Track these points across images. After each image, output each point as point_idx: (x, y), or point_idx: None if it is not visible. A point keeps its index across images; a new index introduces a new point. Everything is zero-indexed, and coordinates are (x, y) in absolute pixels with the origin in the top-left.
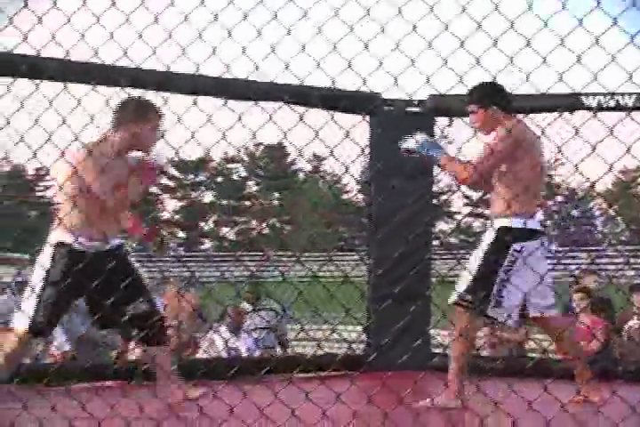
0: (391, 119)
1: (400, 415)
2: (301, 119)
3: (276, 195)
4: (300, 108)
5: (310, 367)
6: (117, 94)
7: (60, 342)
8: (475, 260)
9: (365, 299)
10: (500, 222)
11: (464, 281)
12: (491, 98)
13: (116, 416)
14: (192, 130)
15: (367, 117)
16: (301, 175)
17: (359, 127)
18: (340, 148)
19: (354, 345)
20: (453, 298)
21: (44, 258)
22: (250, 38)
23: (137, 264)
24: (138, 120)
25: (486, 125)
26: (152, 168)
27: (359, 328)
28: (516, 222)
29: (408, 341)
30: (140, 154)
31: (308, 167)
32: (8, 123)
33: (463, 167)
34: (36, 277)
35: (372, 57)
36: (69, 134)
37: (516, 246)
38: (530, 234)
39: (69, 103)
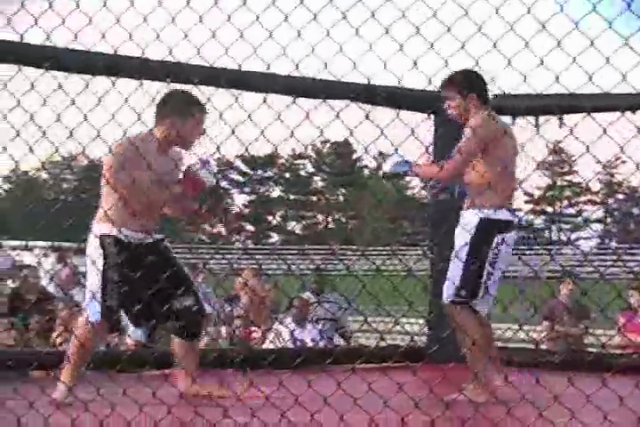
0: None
1: (460, 406)
2: (367, 117)
3: (342, 190)
4: (367, 107)
5: (373, 359)
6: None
7: (133, 331)
8: (461, 253)
9: (428, 292)
10: (481, 214)
11: (455, 277)
12: (471, 86)
13: (186, 403)
14: (261, 127)
15: (432, 116)
16: (366, 172)
17: (424, 125)
18: (404, 145)
19: (416, 337)
20: (446, 297)
21: (93, 249)
22: (318, 38)
23: (179, 258)
24: (181, 114)
25: (463, 113)
26: (197, 183)
27: (421, 321)
28: (497, 213)
29: None
30: (180, 150)
31: (374, 164)
32: (86, 119)
33: (439, 167)
34: (91, 268)
35: (438, 57)
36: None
37: (499, 238)
38: (508, 225)
39: (143, 100)
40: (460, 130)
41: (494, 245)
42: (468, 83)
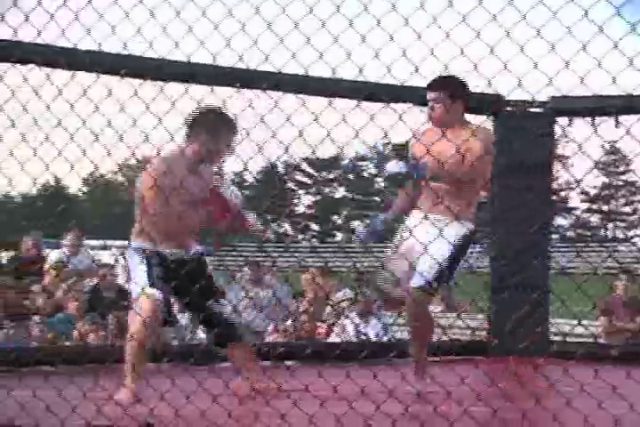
0: (514, 119)
1: (520, 396)
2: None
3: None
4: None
5: (436, 352)
6: (258, 97)
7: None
8: (442, 250)
9: (488, 288)
10: (466, 228)
11: (431, 269)
12: (461, 92)
13: (258, 395)
14: (327, 129)
15: (491, 118)
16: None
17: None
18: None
19: (476, 332)
20: (420, 283)
21: (134, 261)
22: (382, 43)
23: (212, 273)
24: (213, 133)
25: (449, 118)
26: (226, 207)
27: (481, 316)
28: (472, 225)
29: (528, 328)
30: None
31: None
32: (160, 123)
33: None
34: (135, 273)
35: (498, 59)
36: None
37: (472, 247)
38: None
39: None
40: (520, 132)
41: (469, 251)
42: (458, 89)
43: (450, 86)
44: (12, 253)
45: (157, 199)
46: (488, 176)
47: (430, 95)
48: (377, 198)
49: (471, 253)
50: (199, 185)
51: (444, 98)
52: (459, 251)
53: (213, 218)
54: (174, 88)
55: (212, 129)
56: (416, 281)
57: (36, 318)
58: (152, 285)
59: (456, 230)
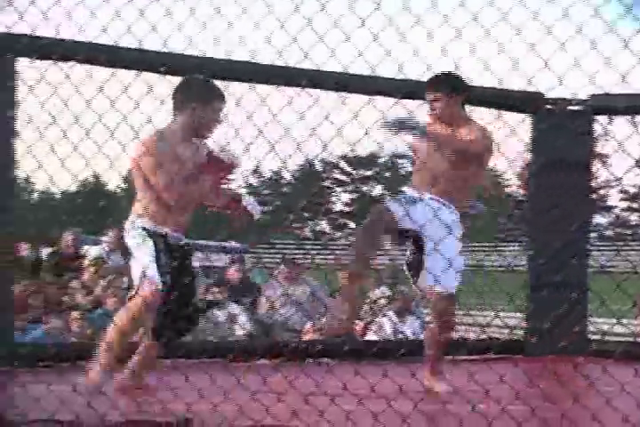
0: (553, 117)
1: (559, 396)
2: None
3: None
4: (468, 107)
5: (474, 351)
6: (298, 95)
7: (243, 321)
8: (451, 247)
9: (526, 287)
10: (457, 214)
11: (449, 271)
12: (458, 88)
13: (295, 392)
14: (366, 127)
15: (531, 116)
16: None
17: (523, 125)
18: (503, 144)
19: (514, 330)
20: (452, 287)
21: (136, 239)
22: (422, 41)
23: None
24: (202, 101)
25: (451, 116)
26: (222, 164)
27: (519, 315)
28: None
29: (566, 327)
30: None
31: None
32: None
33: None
34: (139, 253)
35: (538, 57)
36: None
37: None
38: None
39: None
40: (559, 130)
41: None
42: (457, 86)
43: (446, 85)
44: (51, 249)
45: (158, 172)
46: (482, 173)
47: (429, 96)
48: None
49: (509, 251)
50: (194, 158)
51: (442, 97)
52: (458, 242)
53: (214, 186)
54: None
55: (202, 97)
56: (447, 286)
57: (76, 313)
58: (159, 273)
59: (453, 219)
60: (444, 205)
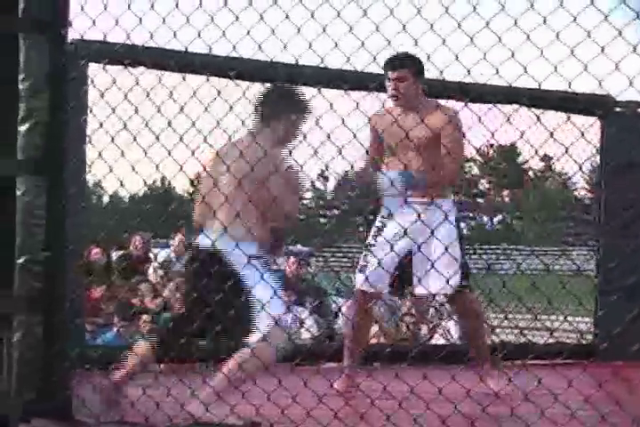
0: (623, 120)
1: (629, 401)
2: (539, 120)
3: (507, 192)
4: (537, 110)
5: (543, 355)
6: (364, 98)
7: (309, 324)
8: (451, 241)
9: (596, 291)
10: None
11: (454, 265)
12: (422, 70)
13: (363, 395)
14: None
15: (600, 119)
16: (531, 174)
17: (593, 128)
18: (571, 148)
19: (584, 335)
20: (457, 282)
21: (256, 272)
22: (491, 43)
23: None
24: (298, 112)
25: (414, 98)
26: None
27: (587, 319)
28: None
29: (638, 332)
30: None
31: (539, 166)
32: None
33: (444, 172)
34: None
35: (609, 60)
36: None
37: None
38: None
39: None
40: (630, 132)
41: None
42: (422, 66)
43: (415, 64)
44: (121, 252)
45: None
46: (458, 158)
47: (394, 74)
48: (480, 200)
49: (577, 254)
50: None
51: (408, 76)
52: (461, 241)
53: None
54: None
55: (298, 109)
56: (452, 284)
57: (145, 316)
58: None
59: (448, 209)
60: (427, 204)
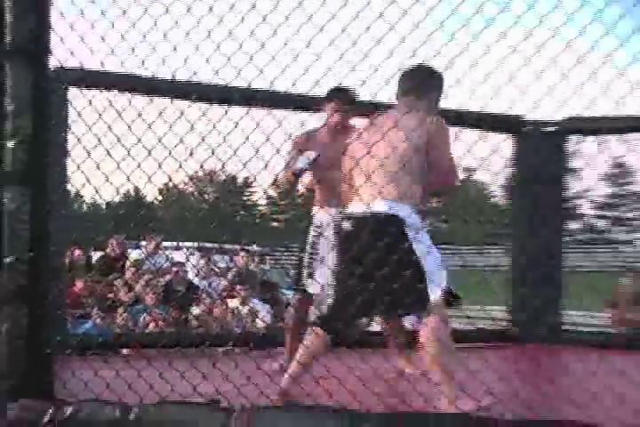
0: (532, 138)
1: (537, 377)
2: (457, 137)
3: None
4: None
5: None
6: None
7: (263, 314)
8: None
9: (509, 284)
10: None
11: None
12: (354, 101)
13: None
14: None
15: (512, 136)
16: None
17: (505, 144)
18: (488, 161)
19: (497, 322)
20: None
21: (424, 238)
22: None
23: None
24: (436, 89)
25: (345, 124)
26: None
27: (503, 308)
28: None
29: (544, 319)
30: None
31: (462, 177)
32: (225, 141)
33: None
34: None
35: (517, 87)
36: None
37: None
38: None
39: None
40: (537, 148)
41: None
42: (354, 98)
43: (349, 96)
44: (100, 253)
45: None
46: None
47: (332, 105)
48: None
49: (494, 252)
50: None
51: (343, 107)
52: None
53: None
54: (238, 111)
55: (434, 86)
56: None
57: (120, 308)
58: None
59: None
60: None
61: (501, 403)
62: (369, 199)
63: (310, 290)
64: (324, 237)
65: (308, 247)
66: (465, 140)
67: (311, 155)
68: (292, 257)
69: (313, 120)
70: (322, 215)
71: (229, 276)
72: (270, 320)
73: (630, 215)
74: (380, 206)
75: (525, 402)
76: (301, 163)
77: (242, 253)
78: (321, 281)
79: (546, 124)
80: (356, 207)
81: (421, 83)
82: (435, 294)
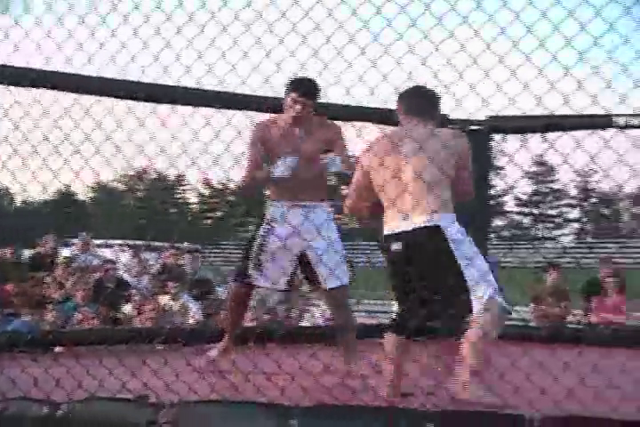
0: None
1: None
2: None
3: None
4: (383, 126)
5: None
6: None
7: (194, 311)
8: (340, 245)
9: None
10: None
11: (342, 263)
12: (318, 93)
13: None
14: None
15: None
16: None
17: None
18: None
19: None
20: (346, 280)
21: (470, 247)
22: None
23: None
24: (438, 109)
25: (308, 117)
26: None
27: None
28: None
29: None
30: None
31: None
32: (152, 138)
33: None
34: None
35: (441, 85)
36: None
37: None
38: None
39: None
40: None
41: None
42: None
43: (317, 90)
44: (31, 251)
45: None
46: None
47: (298, 98)
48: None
49: None
50: None
51: (309, 101)
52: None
53: None
54: (164, 109)
55: (437, 107)
56: (344, 280)
57: (51, 305)
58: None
59: (326, 214)
60: (310, 207)
61: (422, 396)
62: (411, 213)
63: (255, 282)
64: (275, 231)
65: (258, 240)
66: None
67: (293, 161)
68: (222, 255)
69: (242, 118)
70: (275, 209)
71: (156, 272)
72: (201, 317)
73: (553, 213)
74: (423, 220)
75: (447, 394)
76: (282, 169)
77: (171, 251)
78: (271, 276)
79: (469, 122)
80: (400, 225)
81: (433, 105)
82: (478, 305)
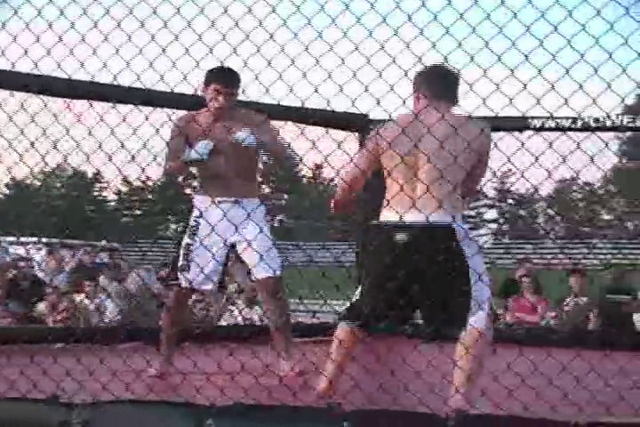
0: None
1: (376, 364)
2: (302, 133)
3: (285, 196)
4: (302, 126)
5: (307, 333)
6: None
7: (110, 310)
8: (269, 240)
9: (354, 279)
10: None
11: (276, 258)
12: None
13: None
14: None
15: (356, 133)
16: (304, 180)
17: (350, 142)
18: (334, 158)
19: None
20: (278, 269)
21: (478, 252)
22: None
23: None
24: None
25: (231, 107)
26: None
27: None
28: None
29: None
30: None
31: (310, 174)
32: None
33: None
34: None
35: (361, 85)
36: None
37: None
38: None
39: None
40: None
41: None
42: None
43: (239, 80)
44: None
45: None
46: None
47: (221, 88)
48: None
49: (342, 251)
50: None
51: (232, 91)
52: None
53: None
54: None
55: (456, 86)
56: (273, 270)
57: None
58: None
59: (257, 209)
60: (237, 202)
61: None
62: (423, 208)
63: (185, 284)
64: (202, 229)
65: (185, 239)
66: (310, 136)
67: (208, 144)
68: (139, 253)
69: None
70: (202, 204)
71: (70, 270)
72: (117, 316)
73: (471, 213)
74: (435, 217)
75: (366, 394)
76: (197, 153)
77: (87, 249)
78: (201, 276)
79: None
80: (410, 216)
81: (455, 88)
82: (476, 313)
